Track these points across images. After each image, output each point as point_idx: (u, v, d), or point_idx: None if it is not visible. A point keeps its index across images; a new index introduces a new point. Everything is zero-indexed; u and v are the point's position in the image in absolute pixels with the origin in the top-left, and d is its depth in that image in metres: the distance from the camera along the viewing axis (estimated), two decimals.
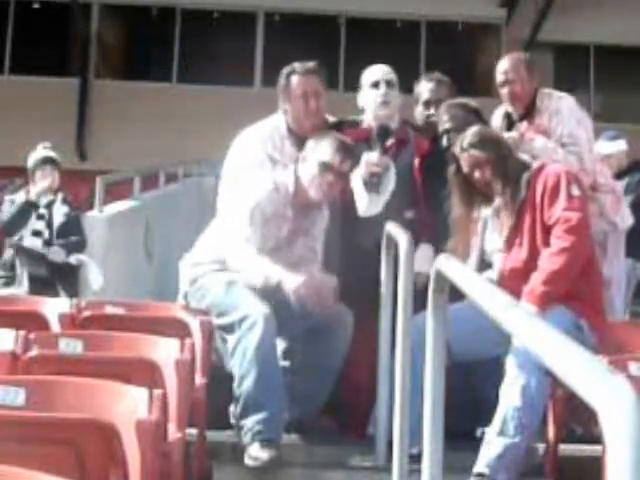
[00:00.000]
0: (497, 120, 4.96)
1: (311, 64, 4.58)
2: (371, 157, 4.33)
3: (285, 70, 4.55)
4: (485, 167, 3.90)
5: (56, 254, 6.37)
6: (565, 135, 4.72)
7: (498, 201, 3.97)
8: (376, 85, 4.57)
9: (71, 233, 6.53)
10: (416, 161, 4.57)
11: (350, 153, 4.16)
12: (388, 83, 4.58)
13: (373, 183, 4.33)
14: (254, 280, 3.93)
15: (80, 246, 6.57)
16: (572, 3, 16.49)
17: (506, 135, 4.61)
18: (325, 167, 4.08)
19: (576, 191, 3.85)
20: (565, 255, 3.73)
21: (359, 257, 4.35)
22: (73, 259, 6.45)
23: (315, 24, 17.52)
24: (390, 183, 4.37)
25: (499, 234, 3.99)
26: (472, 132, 3.98)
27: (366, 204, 4.36)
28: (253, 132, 4.59)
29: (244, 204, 4.08)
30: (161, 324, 3.97)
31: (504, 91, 4.82)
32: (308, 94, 4.48)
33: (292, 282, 3.86)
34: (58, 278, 6.40)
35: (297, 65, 4.54)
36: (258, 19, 17.88)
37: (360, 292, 4.15)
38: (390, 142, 4.49)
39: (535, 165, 3.99)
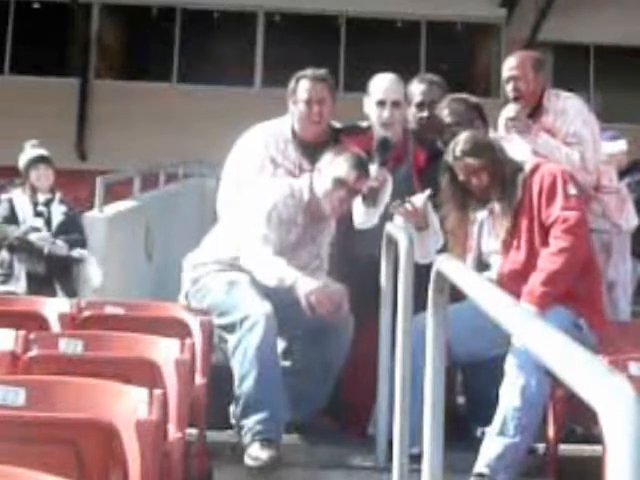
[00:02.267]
0: (504, 116, 4.94)
1: (322, 71, 4.58)
2: (370, 171, 4.32)
3: (297, 74, 4.56)
4: (481, 173, 3.89)
5: (59, 247, 6.38)
6: (570, 135, 4.71)
7: (496, 205, 3.96)
8: (382, 104, 4.51)
9: (71, 231, 6.55)
10: (414, 175, 4.55)
11: (366, 170, 4.16)
12: (394, 104, 4.51)
13: (371, 196, 4.33)
14: (268, 280, 3.93)
15: (80, 244, 6.59)
16: (572, 3, 16.50)
17: (512, 110, 4.59)
18: (339, 183, 4.09)
19: (573, 190, 3.85)
20: (564, 255, 3.73)
21: (359, 261, 4.35)
22: (76, 252, 6.47)
23: (315, 24, 17.51)
24: (386, 196, 4.37)
25: (496, 236, 3.98)
26: (464, 139, 3.94)
27: (363, 216, 4.37)
28: (257, 133, 4.59)
29: (261, 205, 4.09)
30: (161, 324, 3.97)
31: (508, 87, 4.81)
32: (312, 100, 4.48)
33: (306, 286, 3.83)
34: (56, 275, 6.41)
35: (308, 70, 4.55)
36: (258, 19, 17.88)
37: (361, 292, 4.15)
38: (389, 155, 4.47)
39: (529, 165, 3.98)
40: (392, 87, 4.55)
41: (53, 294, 6.08)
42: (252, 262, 4.00)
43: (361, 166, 4.13)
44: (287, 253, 4.10)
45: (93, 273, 6.54)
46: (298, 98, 4.50)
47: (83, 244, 6.63)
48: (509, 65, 4.82)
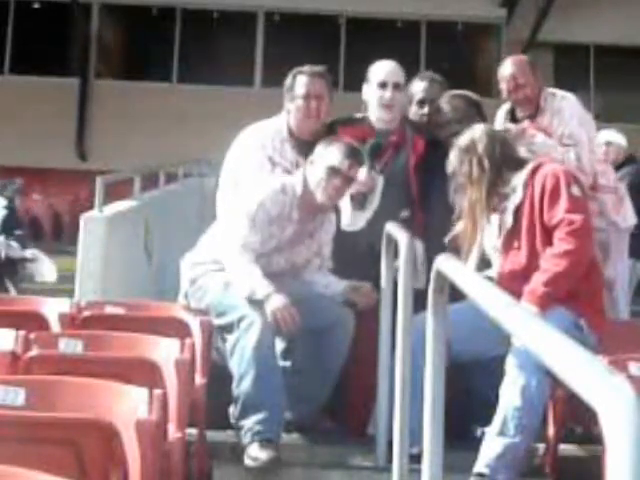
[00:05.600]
0: (500, 118, 4.95)
1: (320, 68, 4.59)
2: (359, 175, 4.32)
3: (294, 70, 4.56)
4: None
5: (15, 250, 6.29)
6: (566, 136, 4.71)
7: (497, 202, 3.94)
8: (383, 86, 4.54)
9: (16, 227, 6.43)
10: (412, 162, 4.56)
11: (359, 158, 4.16)
12: (395, 86, 4.54)
13: (358, 200, 4.33)
14: (241, 289, 3.93)
15: (25, 239, 6.48)
16: (572, 3, 16.51)
17: (507, 126, 4.61)
18: (333, 171, 4.08)
19: (577, 192, 3.82)
20: (568, 257, 3.71)
21: (358, 257, 4.35)
22: (29, 254, 6.37)
23: (315, 24, 17.54)
24: (375, 200, 4.37)
25: (497, 232, 3.96)
26: (454, 146, 3.96)
27: (349, 219, 4.37)
28: (254, 133, 4.58)
29: (247, 205, 4.08)
30: (161, 324, 3.97)
31: (518, 96, 4.77)
32: (310, 95, 4.48)
33: (274, 303, 3.84)
34: (6, 273, 6.32)
35: (306, 67, 4.56)
36: (258, 19, 17.90)
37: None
38: (386, 145, 4.48)
39: (531, 165, 3.95)
40: (393, 70, 4.62)
41: (4, 290, 6.04)
42: (230, 269, 4.01)
43: (354, 154, 4.12)
44: (286, 249, 4.10)
45: (46, 269, 6.46)
46: (296, 94, 4.50)
47: (25, 239, 6.50)
48: (510, 74, 4.75)
